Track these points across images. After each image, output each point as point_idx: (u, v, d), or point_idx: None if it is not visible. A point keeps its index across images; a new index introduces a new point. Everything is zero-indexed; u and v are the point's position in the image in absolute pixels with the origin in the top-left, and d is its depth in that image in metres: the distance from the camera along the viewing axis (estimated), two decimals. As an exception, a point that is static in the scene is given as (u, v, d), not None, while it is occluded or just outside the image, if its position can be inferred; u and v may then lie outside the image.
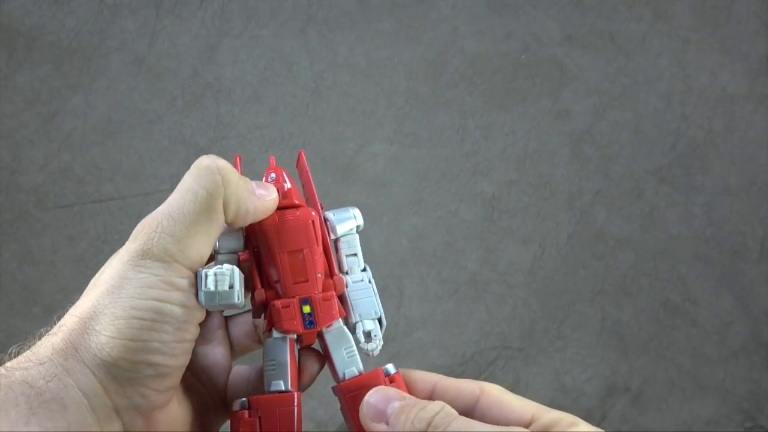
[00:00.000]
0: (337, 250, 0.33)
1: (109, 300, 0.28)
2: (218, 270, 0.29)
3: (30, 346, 0.28)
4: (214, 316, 0.33)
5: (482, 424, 0.27)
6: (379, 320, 0.33)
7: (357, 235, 0.34)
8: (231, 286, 0.29)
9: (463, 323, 0.93)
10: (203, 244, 0.29)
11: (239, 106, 0.97)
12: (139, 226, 0.30)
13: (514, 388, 1.06)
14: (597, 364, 0.93)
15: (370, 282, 0.33)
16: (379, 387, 0.30)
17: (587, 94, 1.00)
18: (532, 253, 0.96)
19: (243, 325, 0.34)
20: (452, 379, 0.31)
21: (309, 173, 0.34)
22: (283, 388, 0.30)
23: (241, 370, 0.34)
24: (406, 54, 0.99)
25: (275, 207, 0.32)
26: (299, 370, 0.32)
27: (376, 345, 0.33)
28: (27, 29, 0.97)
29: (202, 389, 0.32)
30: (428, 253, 0.94)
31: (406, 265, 0.92)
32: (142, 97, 0.96)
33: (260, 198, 0.31)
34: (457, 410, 0.28)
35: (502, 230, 0.96)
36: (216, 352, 0.33)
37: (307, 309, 0.31)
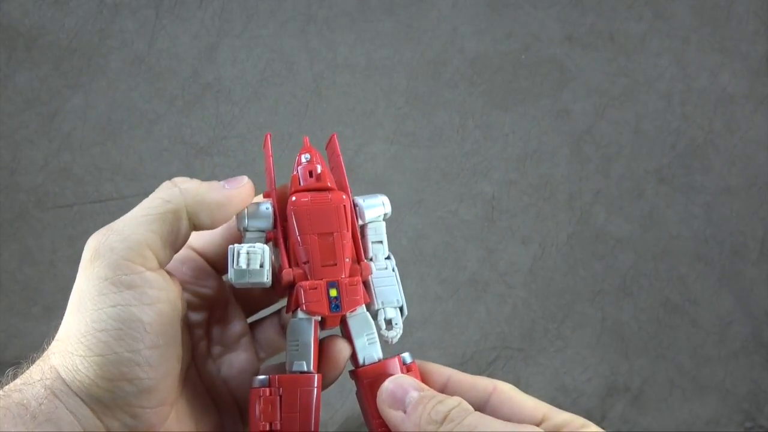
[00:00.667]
0: (363, 236, 0.33)
1: (73, 319, 0.27)
2: (250, 248, 0.29)
3: (25, 369, 0.28)
4: (236, 324, 0.33)
5: (496, 420, 0.26)
6: (401, 309, 0.33)
7: (384, 223, 0.34)
8: (261, 265, 0.29)
9: (463, 323, 0.93)
10: (156, 243, 0.28)
11: (239, 106, 0.97)
12: (92, 236, 0.29)
13: (514, 388, 1.05)
14: (597, 364, 0.93)
15: (393, 270, 0.34)
16: (398, 375, 0.30)
17: (587, 94, 1.00)
18: (532, 253, 0.96)
19: (272, 327, 0.34)
20: (466, 374, 0.31)
21: (340, 156, 0.34)
22: (305, 368, 0.30)
23: (270, 368, 0.34)
24: (406, 54, 0.99)
25: (251, 191, 0.31)
26: (326, 354, 0.31)
27: (397, 333, 0.33)
28: (26, 29, 0.97)
29: (215, 408, 0.32)
30: (428, 253, 0.94)
31: (406, 265, 0.92)
32: (142, 97, 0.96)
33: (230, 188, 0.30)
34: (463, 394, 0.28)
35: (502, 230, 0.96)
36: (241, 359, 0.33)
37: (333, 292, 0.31)
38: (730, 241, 0.98)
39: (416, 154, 0.96)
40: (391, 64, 0.99)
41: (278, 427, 0.28)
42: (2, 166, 0.93)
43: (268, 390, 0.29)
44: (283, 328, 0.34)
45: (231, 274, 0.29)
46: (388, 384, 0.30)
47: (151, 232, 0.28)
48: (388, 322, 0.33)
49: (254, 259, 0.29)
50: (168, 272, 0.29)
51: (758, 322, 0.96)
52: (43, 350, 0.28)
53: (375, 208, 0.34)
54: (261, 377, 0.29)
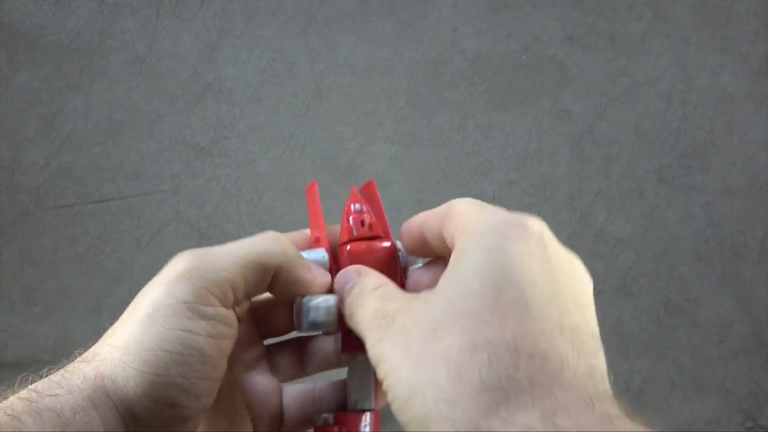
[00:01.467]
0: (405, 277, 0.35)
1: (139, 329, 0.27)
2: (324, 303, 0.30)
3: (59, 369, 0.27)
4: (256, 348, 0.33)
5: (387, 291, 0.28)
6: None
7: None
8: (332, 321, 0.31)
9: (464, 323, 0.93)
10: (240, 287, 0.29)
11: (240, 106, 0.97)
12: (184, 253, 0.29)
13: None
14: (597, 364, 0.93)
15: None
16: (345, 269, 0.31)
17: (587, 94, 1.00)
18: (532, 253, 0.96)
19: (289, 353, 0.35)
20: (432, 213, 0.31)
21: (380, 202, 0.35)
22: (368, 406, 0.31)
23: (294, 390, 0.34)
24: (407, 54, 0.99)
25: (323, 290, 0.32)
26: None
27: None
28: (28, 29, 0.97)
29: (237, 424, 0.32)
30: (429, 253, 0.94)
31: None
32: (143, 97, 0.96)
33: (314, 276, 0.31)
34: (434, 236, 0.29)
35: (503, 230, 0.96)
36: (261, 381, 0.33)
37: None
38: (730, 241, 0.98)
39: (417, 155, 0.96)
40: (391, 64, 0.99)
41: None
42: (3, 166, 0.93)
43: (337, 428, 0.30)
44: (300, 354, 0.35)
45: (305, 326, 0.30)
46: (338, 274, 0.31)
47: (241, 276, 0.29)
48: None
49: (330, 313, 0.30)
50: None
51: (758, 322, 0.96)
52: (85, 349, 0.28)
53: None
54: (325, 415, 0.31)
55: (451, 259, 0.26)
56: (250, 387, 0.33)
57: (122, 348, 0.27)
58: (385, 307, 0.26)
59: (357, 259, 0.32)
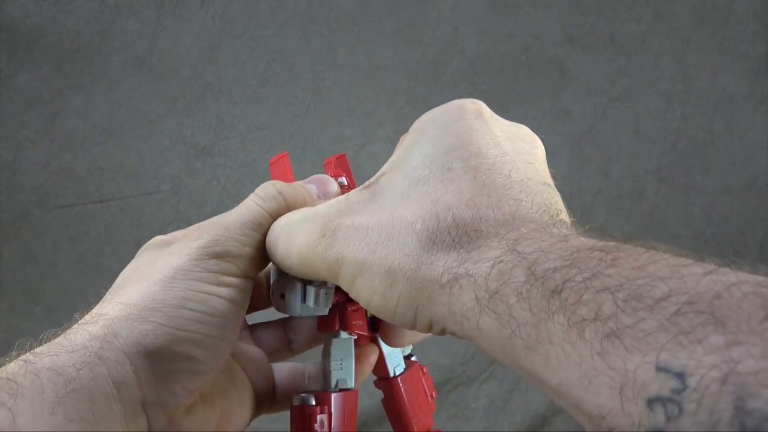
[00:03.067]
0: None
1: (160, 288, 0.28)
2: (323, 291, 0.30)
3: (62, 333, 0.28)
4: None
5: (310, 211, 0.29)
6: None
7: None
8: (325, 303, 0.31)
9: (464, 323, 0.93)
10: (261, 255, 0.30)
11: (240, 106, 0.98)
12: (204, 226, 0.30)
13: (514, 388, 1.07)
14: (597, 364, 0.93)
15: None
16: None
17: (587, 94, 1.00)
18: (532, 253, 0.96)
19: (273, 332, 0.36)
20: None
21: (352, 176, 0.36)
22: (349, 385, 0.32)
23: (285, 366, 0.35)
24: (407, 54, 0.99)
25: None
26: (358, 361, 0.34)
27: (410, 348, 0.36)
28: (28, 29, 0.97)
29: (234, 391, 0.33)
30: (429, 253, 0.94)
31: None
32: (143, 97, 0.96)
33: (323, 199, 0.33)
34: None
35: (503, 230, 0.96)
36: (251, 348, 0.35)
37: (369, 314, 0.33)
38: (730, 241, 0.98)
39: (417, 155, 0.96)
40: (391, 64, 1.00)
41: None
42: (4, 166, 0.93)
43: (318, 408, 0.30)
44: (285, 333, 0.36)
45: (300, 310, 0.31)
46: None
47: (256, 249, 0.30)
48: None
49: (327, 301, 0.31)
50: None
51: (758, 322, 0.96)
52: (85, 312, 0.28)
53: None
54: (304, 395, 0.31)
55: (394, 156, 0.28)
56: (242, 354, 0.34)
57: (140, 305, 0.27)
58: (322, 219, 0.27)
59: None
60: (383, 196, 0.26)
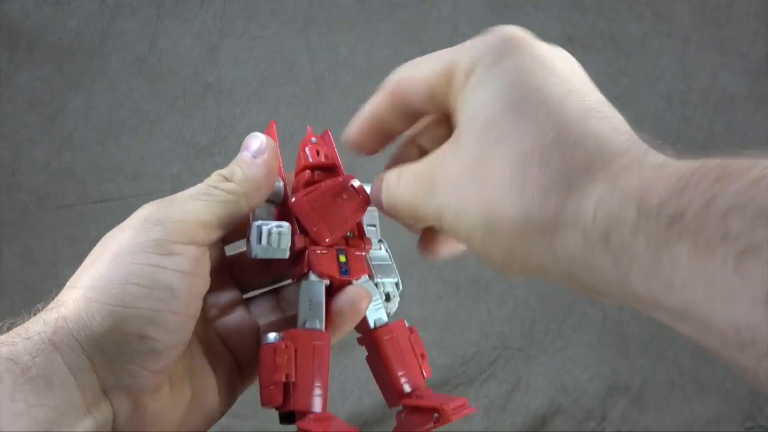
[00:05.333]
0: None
1: (105, 267, 0.27)
2: (279, 229, 0.30)
3: (22, 323, 0.27)
4: (231, 292, 0.34)
5: (412, 170, 0.30)
6: (397, 284, 0.36)
7: (375, 209, 0.36)
8: (285, 245, 0.31)
9: (464, 323, 0.93)
10: (212, 223, 0.30)
11: (240, 106, 0.98)
12: (149, 203, 0.30)
13: (515, 388, 1.07)
14: (597, 364, 0.93)
15: (387, 251, 0.37)
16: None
17: (587, 94, 1.00)
18: (532, 253, 0.96)
19: (266, 302, 0.35)
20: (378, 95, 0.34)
21: (336, 152, 0.36)
22: (317, 326, 0.31)
23: (270, 326, 0.35)
24: (407, 54, 0.99)
25: (276, 150, 0.33)
26: (342, 305, 0.33)
27: (395, 305, 0.36)
28: (28, 29, 0.97)
29: (212, 369, 0.32)
30: (429, 253, 0.94)
31: (407, 265, 0.92)
32: (143, 97, 0.96)
33: (265, 158, 0.32)
34: (391, 121, 0.34)
35: (503, 230, 0.96)
36: (238, 318, 0.34)
37: (342, 258, 0.33)
38: (730, 241, 0.98)
39: (417, 155, 0.96)
40: (391, 64, 0.99)
41: (293, 378, 0.29)
42: (4, 167, 0.93)
43: (283, 344, 0.29)
44: (279, 303, 0.36)
45: (257, 251, 0.30)
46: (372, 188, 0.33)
47: (210, 214, 0.29)
48: (387, 296, 0.35)
49: (284, 239, 0.30)
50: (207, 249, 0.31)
51: (758, 322, 0.96)
52: (45, 304, 0.28)
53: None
54: (272, 334, 0.30)
55: (460, 103, 0.27)
56: (229, 325, 0.33)
57: (87, 286, 0.27)
58: (421, 177, 0.28)
59: (314, 185, 0.34)
60: (465, 143, 0.26)
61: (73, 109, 0.95)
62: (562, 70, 0.26)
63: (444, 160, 0.27)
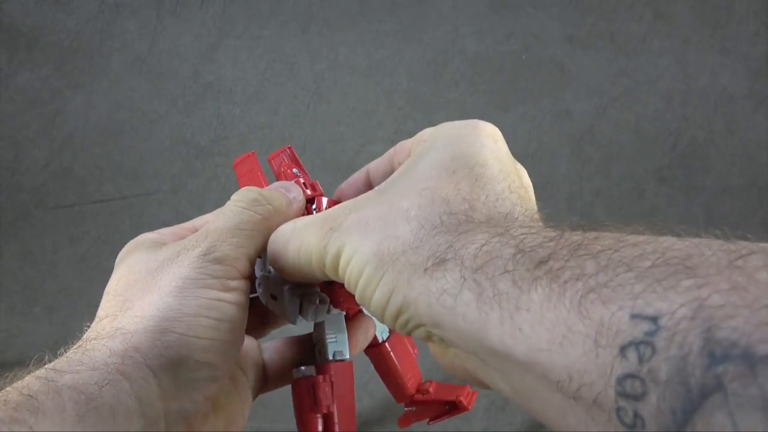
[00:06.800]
0: None
1: (173, 299, 0.28)
2: (320, 307, 0.32)
3: (74, 347, 0.28)
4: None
5: (314, 215, 0.30)
6: None
7: None
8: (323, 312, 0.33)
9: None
10: (253, 257, 0.32)
11: (240, 106, 0.98)
12: (198, 234, 0.31)
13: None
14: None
15: None
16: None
17: (588, 94, 1.00)
18: (532, 253, 0.96)
19: (251, 317, 0.36)
20: (376, 160, 0.34)
21: (301, 164, 0.37)
22: (346, 356, 0.33)
23: (270, 345, 0.37)
24: (407, 54, 0.99)
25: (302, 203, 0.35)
26: (356, 331, 0.35)
27: None
28: (28, 29, 0.97)
29: (236, 393, 0.34)
30: (429, 253, 0.94)
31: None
32: (143, 97, 0.96)
33: (291, 207, 0.34)
34: (382, 177, 0.32)
35: (503, 230, 0.96)
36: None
37: None
38: (730, 241, 0.98)
39: (417, 154, 0.96)
40: (391, 64, 1.00)
41: (334, 409, 0.31)
42: (4, 166, 0.93)
43: (321, 377, 0.31)
44: (259, 314, 0.37)
45: (296, 321, 0.32)
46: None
47: (254, 248, 0.31)
48: None
49: (321, 314, 0.32)
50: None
51: (758, 322, 0.96)
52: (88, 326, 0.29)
53: None
54: (304, 368, 0.32)
55: (404, 163, 0.29)
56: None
57: (157, 317, 0.28)
58: (328, 217, 0.28)
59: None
60: (388, 192, 0.27)
61: (72, 109, 0.95)
62: (507, 164, 0.27)
63: (357, 206, 0.27)
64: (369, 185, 0.34)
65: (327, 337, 0.33)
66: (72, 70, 0.96)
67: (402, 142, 0.32)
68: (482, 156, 0.26)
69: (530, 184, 0.29)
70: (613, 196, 0.98)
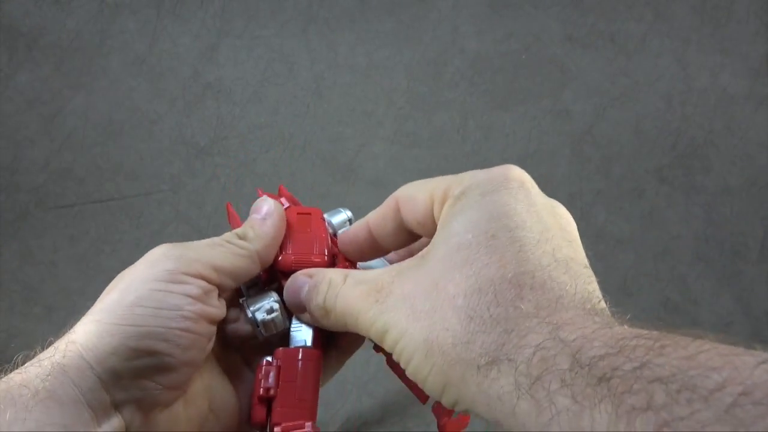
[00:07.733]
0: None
1: (117, 294, 0.29)
2: (275, 317, 0.32)
3: (35, 355, 0.29)
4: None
5: (364, 275, 0.29)
6: None
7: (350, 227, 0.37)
8: (282, 321, 0.33)
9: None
10: (225, 270, 0.31)
11: (240, 106, 0.98)
12: (162, 245, 0.31)
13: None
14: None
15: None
16: (292, 277, 0.32)
17: (587, 94, 1.00)
18: (532, 253, 0.96)
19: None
20: (374, 214, 0.33)
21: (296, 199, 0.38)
22: (307, 344, 0.32)
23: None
24: (407, 54, 0.99)
25: (281, 222, 0.34)
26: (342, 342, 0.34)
27: None
28: (28, 29, 0.97)
29: (233, 389, 0.33)
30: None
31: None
32: (143, 97, 0.96)
33: (272, 221, 0.33)
34: (389, 234, 0.31)
35: (503, 230, 0.96)
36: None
37: None
38: (730, 241, 0.98)
39: (417, 154, 0.96)
40: (391, 64, 0.99)
41: (273, 393, 0.31)
42: (3, 166, 0.93)
43: (265, 360, 0.31)
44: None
45: (263, 333, 0.32)
46: (286, 290, 0.32)
47: (222, 260, 0.31)
48: None
49: (280, 322, 0.32)
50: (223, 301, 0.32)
51: (758, 322, 0.96)
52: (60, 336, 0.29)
53: (338, 215, 0.38)
54: (269, 357, 0.32)
55: (439, 224, 0.28)
56: (248, 352, 0.35)
57: (99, 311, 0.28)
58: (375, 284, 0.27)
59: (293, 220, 0.34)
60: (430, 262, 0.26)
61: (72, 109, 0.95)
62: (546, 218, 0.26)
63: (402, 275, 0.27)
64: (372, 242, 0.33)
65: (292, 326, 0.33)
66: (72, 70, 0.96)
67: (403, 191, 0.31)
68: (519, 215, 0.26)
69: (571, 222, 0.28)
70: (613, 196, 0.98)
